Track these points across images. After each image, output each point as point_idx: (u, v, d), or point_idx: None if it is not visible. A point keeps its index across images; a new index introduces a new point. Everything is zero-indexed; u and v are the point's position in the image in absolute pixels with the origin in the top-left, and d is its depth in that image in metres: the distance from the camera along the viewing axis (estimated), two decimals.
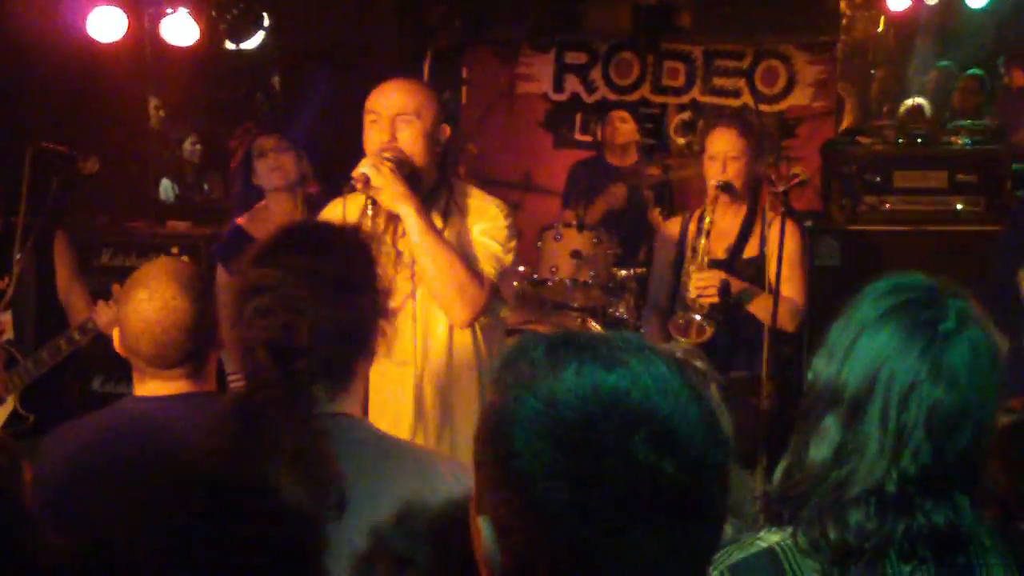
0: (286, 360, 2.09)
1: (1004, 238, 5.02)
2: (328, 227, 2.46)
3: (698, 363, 2.48)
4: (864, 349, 1.87)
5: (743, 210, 4.79)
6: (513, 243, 3.68)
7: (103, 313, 4.22)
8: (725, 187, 4.61)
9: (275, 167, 5.01)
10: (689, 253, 4.71)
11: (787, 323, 4.44)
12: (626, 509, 1.29)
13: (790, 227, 4.56)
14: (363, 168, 3.42)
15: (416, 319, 3.58)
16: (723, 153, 4.66)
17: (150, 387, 2.88)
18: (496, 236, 3.63)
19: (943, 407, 1.83)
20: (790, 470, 1.95)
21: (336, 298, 2.15)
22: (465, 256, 3.55)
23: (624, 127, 7.51)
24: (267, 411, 2.05)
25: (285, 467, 1.99)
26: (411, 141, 3.56)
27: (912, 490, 1.84)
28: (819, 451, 1.90)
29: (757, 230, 4.76)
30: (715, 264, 4.64)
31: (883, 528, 1.83)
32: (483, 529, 1.37)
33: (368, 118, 3.62)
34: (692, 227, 4.83)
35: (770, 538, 1.92)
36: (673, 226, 5.06)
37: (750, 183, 4.75)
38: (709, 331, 4.46)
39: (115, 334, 2.91)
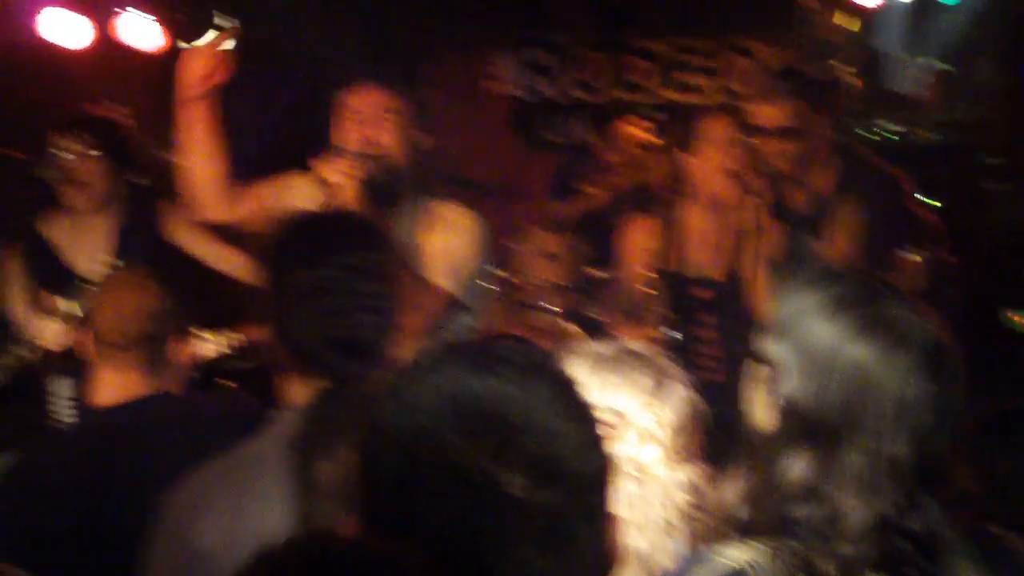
0: (355, 356, 2.15)
1: None
2: (354, 220, 2.56)
3: (661, 360, 2.43)
4: (839, 379, 1.83)
5: (732, 215, 4.38)
6: (478, 254, 3.60)
7: None
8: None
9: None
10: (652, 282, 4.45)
11: None
12: (466, 523, 1.25)
13: (777, 236, 4.43)
14: (333, 176, 3.36)
15: None
16: (735, 139, 4.37)
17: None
18: (460, 248, 3.60)
19: (927, 426, 1.81)
20: (762, 492, 1.90)
21: (388, 290, 2.23)
22: (420, 268, 3.51)
23: (635, 133, 7.29)
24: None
25: None
26: (392, 139, 3.52)
27: (904, 511, 1.82)
28: (797, 479, 1.86)
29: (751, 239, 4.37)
30: (713, 285, 4.45)
31: (871, 553, 1.80)
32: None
33: (346, 114, 3.57)
34: (670, 233, 4.56)
35: (738, 556, 1.85)
36: (645, 231, 4.72)
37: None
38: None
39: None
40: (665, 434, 2.30)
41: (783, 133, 4.37)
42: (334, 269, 2.18)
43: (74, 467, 2.75)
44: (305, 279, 2.18)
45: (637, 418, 2.29)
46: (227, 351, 4.81)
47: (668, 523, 2.26)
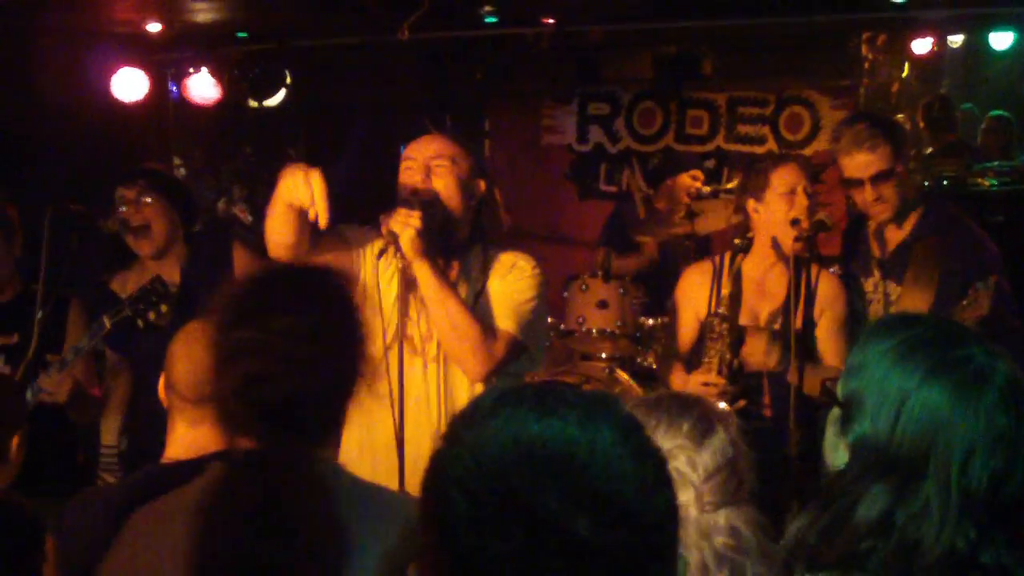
0: (283, 423, 2.05)
1: None
2: (310, 277, 2.32)
3: (706, 405, 2.45)
4: (912, 417, 1.86)
5: (790, 266, 4.31)
6: (540, 299, 3.64)
7: (47, 382, 4.16)
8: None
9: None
10: (714, 326, 4.41)
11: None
12: (534, 564, 1.26)
13: (835, 287, 4.47)
14: (392, 226, 3.40)
15: (440, 364, 3.56)
16: (803, 189, 4.40)
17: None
18: (522, 292, 3.60)
19: (1001, 462, 1.82)
20: (832, 526, 1.92)
21: (330, 356, 2.11)
22: (483, 313, 3.54)
23: (694, 184, 7.26)
24: (277, 479, 2.00)
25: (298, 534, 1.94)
26: (445, 186, 3.56)
27: (977, 545, 1.83)
28: (868, 515, 1.88)
29: (804, 290, 4.30)
30: (763, 333, 4.48)
31: None
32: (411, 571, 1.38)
33: (403, 165, 3.62)
34: (724, 281, 4.53)
35: None
36: (701, 277, 4.71)
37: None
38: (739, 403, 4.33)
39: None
40: (698, 478, 2.32)
41: (878, 178, 4.39)
42: (260, 331, 2.07)
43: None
44: (232, 338, 2.10)
45: (670, 461, 2.29)
46: None
47: (703, 566, 2.27)
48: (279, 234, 3.48)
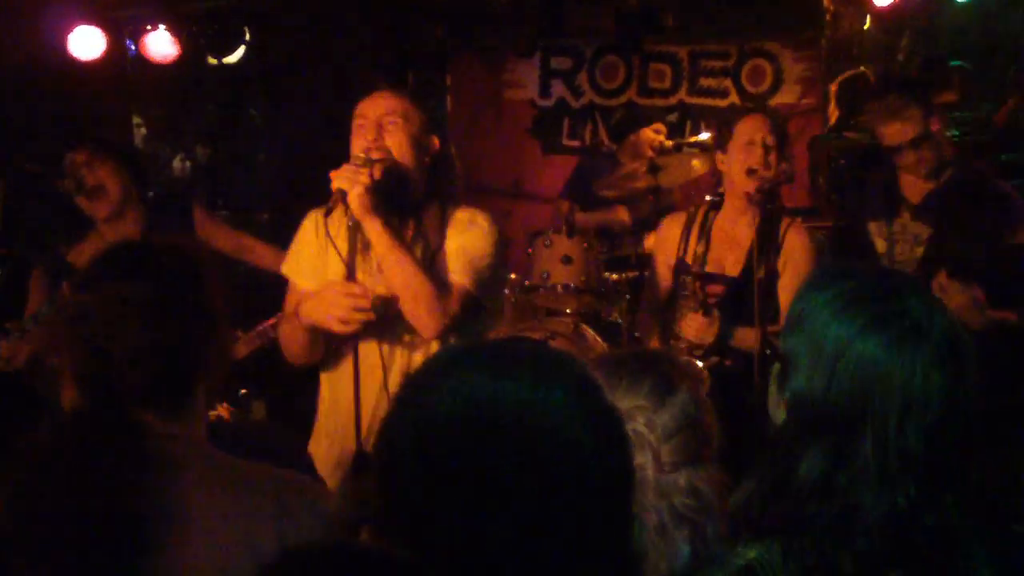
0: (104, 389, 2.07)
1: None
2: (147, 248, 2.29)
3: (671, 363, 2.44)
4: (847, 372, 1.83)
5: (757, 216, 4.39)
6: (497, 256, 3.63)
7: (3, 349, 4.16)
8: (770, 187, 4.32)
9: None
10: (687, 284, 4.43)
11: None
12: (479, 521, 1.26)
13: (803, 240, 4.50)
14: (340, 183, 3.38)
15: (394, 324, 3.54)
16: (761, 140, 4.43)
17: None
18: (479, 248, 3.59)
19: (936, 418, 1.80)
20: (774, 489, 1.90)
21: (150, 323, 2.08)
22: (440, 270, 3.52)
23: (658, 137, 7.27)
24: (92, 445, 2.03)
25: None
26: (398, 143, 3.53)
27: (918, 504, 1.81)
28: (809, 476, 1.85)
29: (769, 241, 4.42)
30: (726, 281, 4.50)
31: (886, 547, 1.80)
32: (364, 533, 1.37)
33: (355, 123, 3.58)
34: (695, 232, 4.62)
35: (748, 554, 1.85)
36: (674, 226, 4.76)
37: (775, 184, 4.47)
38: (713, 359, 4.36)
39: None
40: (656, 439, 2.29)
41: (915, 143, 4.47)
42: (89, 296, 2.10)
43: None
44: (72, 302, 2.11)
45: (627, 422, 2.26)
46: (254, 347, 4.88)
47: (661, 526, 2.25)
48: (303, 357, 3.64)
